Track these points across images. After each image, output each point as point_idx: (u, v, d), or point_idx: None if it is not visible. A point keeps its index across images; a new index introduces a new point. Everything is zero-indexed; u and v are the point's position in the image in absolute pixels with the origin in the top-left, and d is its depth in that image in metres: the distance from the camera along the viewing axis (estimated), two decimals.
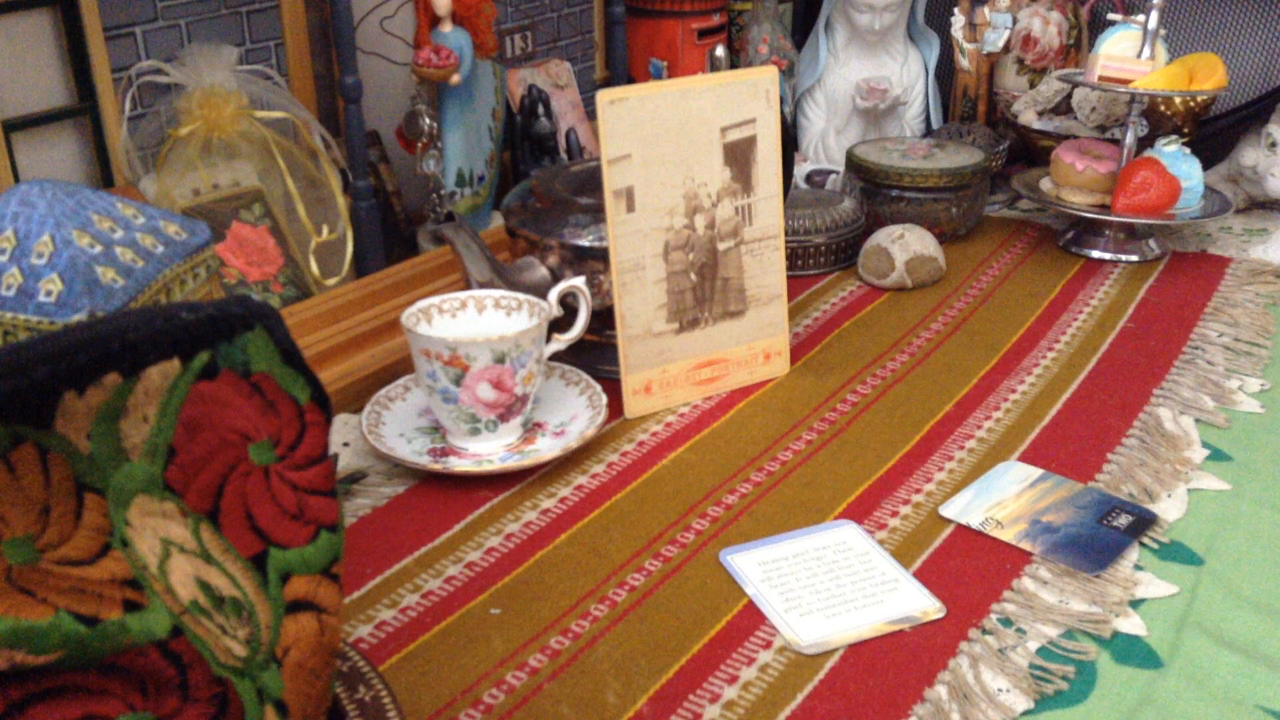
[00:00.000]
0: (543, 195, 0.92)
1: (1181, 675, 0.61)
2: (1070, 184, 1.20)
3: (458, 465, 0.78)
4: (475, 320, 0.83)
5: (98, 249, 0.67)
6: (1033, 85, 1.43)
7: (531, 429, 0.83)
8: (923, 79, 1.46)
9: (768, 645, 0.63)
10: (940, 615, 0.65)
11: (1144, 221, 1.15)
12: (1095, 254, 1.19)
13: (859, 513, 0.75)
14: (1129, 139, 1.18)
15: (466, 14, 1.11)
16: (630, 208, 0.84)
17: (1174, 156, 1.15)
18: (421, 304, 0.82)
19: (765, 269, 0.91)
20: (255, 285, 0.99)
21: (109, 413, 0.36)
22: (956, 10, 1.41)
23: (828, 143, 1.47)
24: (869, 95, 1.42)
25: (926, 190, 1.19)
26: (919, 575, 0.69)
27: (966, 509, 0.75)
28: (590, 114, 1.36)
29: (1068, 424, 0.86)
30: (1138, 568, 0.70)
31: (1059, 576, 0.69)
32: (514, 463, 0.78)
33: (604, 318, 0.88)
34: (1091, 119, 1.34)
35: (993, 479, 0.79)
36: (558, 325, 0.85)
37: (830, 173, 1.34)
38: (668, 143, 0.84)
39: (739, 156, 0.88)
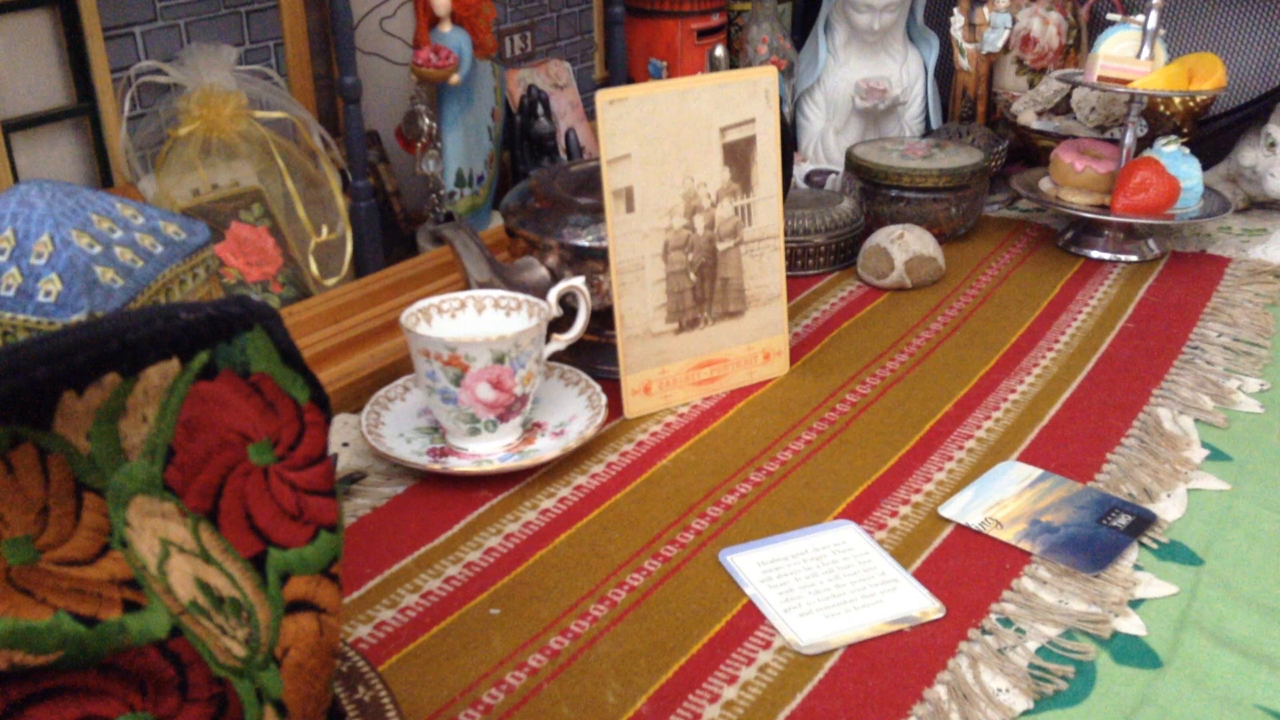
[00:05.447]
0: (542, 195, 0.92)
1: (1181, 675, 0.61)
2: (1069, 184, 1.20)
3: (457, 465, 0.78)
4: (475, 320, 0.83)
5: (97, 249, 0.67)
6: (1032, 85, 1.43)
7: (531, 429, 0.83)
8: (922, 79, 1.46)
9: (767, 645, 0.63)
10: (940, 615, 0.65)
11: (1143, 221, 1.15)
12: (1094, 254, 1.19)
13: (858, 513, 0.75)
14: (1128, 139, 1.18)
15: (466, 14, 1.11)
16: (630, 208, 0.84)
17: (1173, 156, 1.15)
18: (421, 304, 0.82)
19: (764, 269, 0.91)
20: (254, 285, 0.99)
21: (108, 413, 0.36)
22: (956, 10, 1.41)
23: (827, 143, 1.47)
24: (868, 95, 1.42)
25: (926, 190, 1.19)
26: (918, 575, 0.69)
27: (966, 509, 0.75)
28: (590, 114, 1.36)
29: (1067, 424, 0.86)
30: (1137, 568, 0.70)
31: (1058, 576, 0.69)
32: (513, 463, 0.78)
33: (603, 318, 0.88)
34: (1091, 119, 1.34)
35: (992, 479, 0.79)
36: (557, 325, 0.85)
37: (830, 173, 1.34)
38: (667, 143, 0.84)
39: (738, 157, 0.88)
